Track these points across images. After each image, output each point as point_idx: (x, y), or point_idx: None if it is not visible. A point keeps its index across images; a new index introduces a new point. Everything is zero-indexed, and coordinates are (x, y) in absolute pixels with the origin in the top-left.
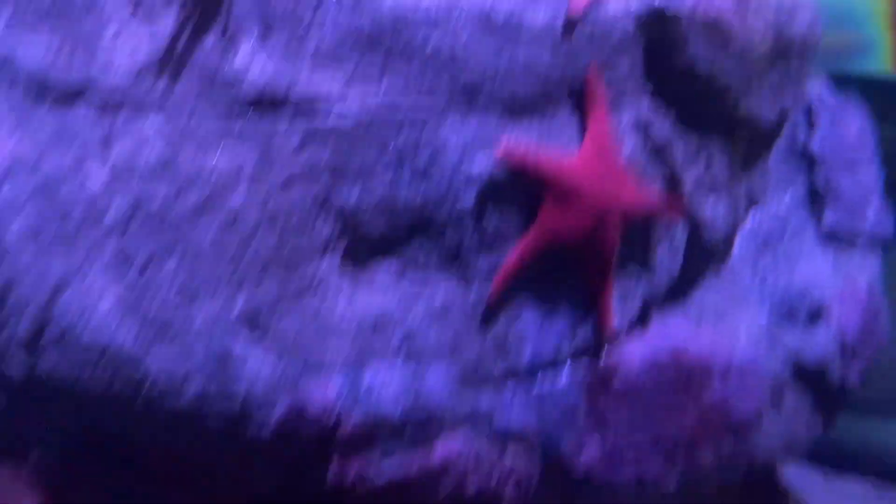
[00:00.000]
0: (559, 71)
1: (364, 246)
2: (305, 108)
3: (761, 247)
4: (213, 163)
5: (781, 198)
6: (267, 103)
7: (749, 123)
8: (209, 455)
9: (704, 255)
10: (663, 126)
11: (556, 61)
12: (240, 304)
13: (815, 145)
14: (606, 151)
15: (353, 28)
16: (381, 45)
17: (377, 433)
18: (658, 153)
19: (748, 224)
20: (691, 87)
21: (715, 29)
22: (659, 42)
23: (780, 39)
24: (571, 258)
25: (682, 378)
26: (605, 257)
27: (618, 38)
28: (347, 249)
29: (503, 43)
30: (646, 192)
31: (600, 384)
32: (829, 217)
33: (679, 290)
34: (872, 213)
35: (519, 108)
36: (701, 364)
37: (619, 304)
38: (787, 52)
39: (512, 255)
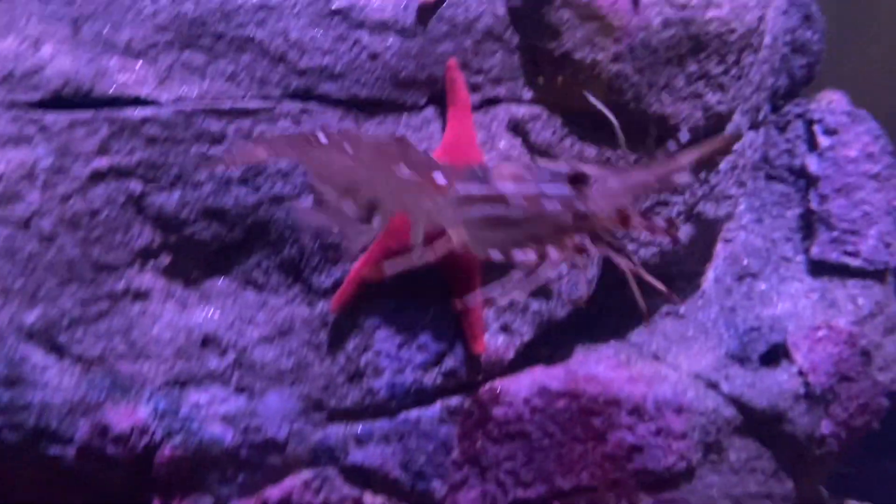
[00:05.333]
0: (413, 65)
1: (193, 256)
2: (112, 103)
3: (738, 276)
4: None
5: (772, 221)
6: (67, 100)
7: (661, 124)
8: (7, 471)
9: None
10: (547, 123)
11: (409, 54)
12: (34, 317)
13: (812, 165)
14: (464, 153)
15: (173, 17)
16: (207, 33)
17: (202, 464)
18: (542, 155)
19: (725, 250)
20: (574, 78)
21: (590, 14)
22: (532, 28)
23: (688, 31)
24: (434, 274)
25: (578, 413)
26: (467, 268)
27: (484, 26)
28: (174, 259)
29: (346, 34)
30: None
31: (475, 417)
32: (819, 244)
33: (611, 323)
34: (872, 241)
35: (370, 104)
36: (606, 399)
37: (500, 331)
38: (702, 47)
39: (358, 263)
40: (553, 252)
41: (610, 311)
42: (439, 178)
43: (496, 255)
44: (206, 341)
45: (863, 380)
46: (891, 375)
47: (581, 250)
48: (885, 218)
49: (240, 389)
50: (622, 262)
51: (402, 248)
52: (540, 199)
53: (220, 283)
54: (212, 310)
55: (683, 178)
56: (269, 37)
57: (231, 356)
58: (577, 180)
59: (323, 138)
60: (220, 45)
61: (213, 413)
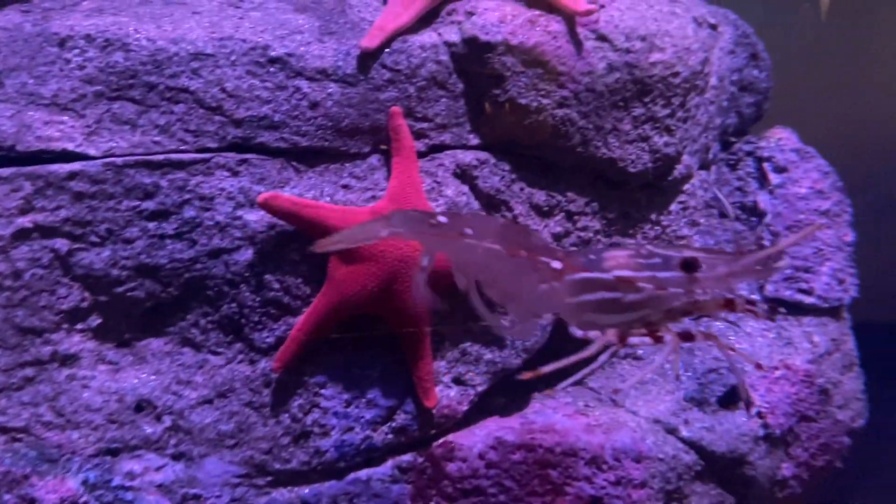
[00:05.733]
0: (356, 113)
1: (125, 316)
2: (37, 158)
3: (695, 316)
4: None
5: None
6: None
7: (609, 167)
8: None
9: None
10: (496, 169)
11: (351, 102)
12: None
13: (764, 203)
14: (410, 201)
15: (102, 67)
16: (138, 84)
17: None
18: (491, 201)
19: None
20: (521, 121)
21: (534, 59)
22: (477, 74)
23: (632, 75)
24: (382, 327)
25: (535, 466)
26: (415, 322)
27: (428, 73)
28: (105, 320)
29: (285, 82)
30: None
31: (429, 474)
32: (773, 282)
33: (569, 369)
34: (825, 278)
35: (312, 153)
36: (563, 450)
37: (454, 383)
38: (647, 90)
39: (300, 320)
40: (668, 338)
41: (567, 357)
42: (556, 264)
43: (611, 339)
44: (141, 406)
45: (823, 419)
46: (850, 413)
47: (689, 337)
48: (837, 254)
49: (177, 456)
50: (726, 350)
51: (347, 302)
52: (653, 285)
53: (155, 343)
54: (146, 372)
55: (783, 263)
56: (205, 86)
57: (167, 421)
58: (689, 266)
59: (443, 219)
60: (152, 96)
61: (149, 482)
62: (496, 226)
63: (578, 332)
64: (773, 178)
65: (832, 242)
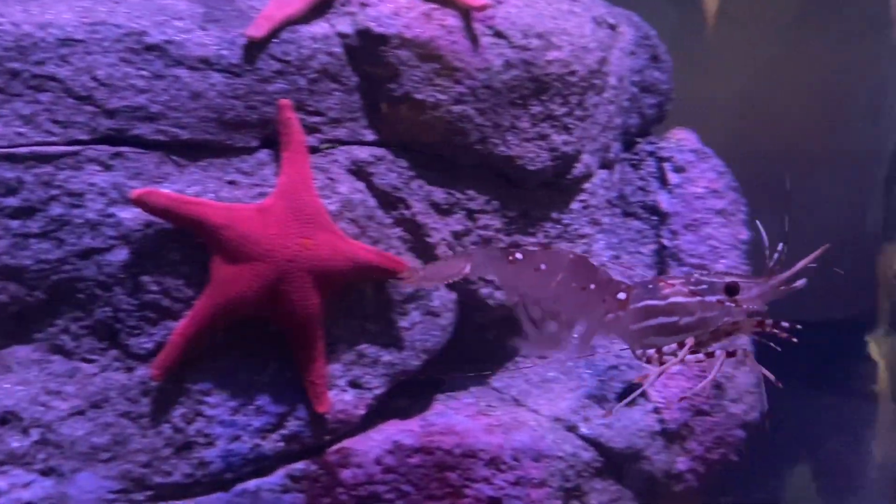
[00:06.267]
0: (242, 105)
1: None
2: None
3: None
4: None
5: (629, 257)
6: None
7: (508, 165)
8: None
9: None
10: (393, 166)
11: (237, 94)
12: None
13: (663, 202)
14: (301, 198)
15: None
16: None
17: None
18: (387, 199)
19: None
20: (417, 117)
21: (429, 54)
22: (371, 68)
23: (529, 72)
24: (270, 329)
25: (434, 469)
26: (306, 324)
27: (319, 65)
28: None
29: (163, 71)
30: (351, 247)
31: (322, 483)
32: None
33: (472, 369)
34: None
35: (193, 147)
36: (463, 451)
37: (349, 386)
38: (545, 88)
39: (181, 324)
40: (718, 353)
41: (470, 357)
42: (621, 295)
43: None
44: (6, 419)
45: (717, 413)
46: (743, 407)
47: (732, 354)
48: (731, 252)
49: (46, 471)
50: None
51: (232, 304)
52: (705, 309)
53: (21, 351)
54: (11, 382)
55: (801, 283)
56: (74, 74)
57: (35, 434)
58: (731, 290)
59: (520, 255)
60: (15, 84)
61: (15, 500)
62: (567, 261)
63: (650, 352)
64: (672, 178)
65: (727, 241)
